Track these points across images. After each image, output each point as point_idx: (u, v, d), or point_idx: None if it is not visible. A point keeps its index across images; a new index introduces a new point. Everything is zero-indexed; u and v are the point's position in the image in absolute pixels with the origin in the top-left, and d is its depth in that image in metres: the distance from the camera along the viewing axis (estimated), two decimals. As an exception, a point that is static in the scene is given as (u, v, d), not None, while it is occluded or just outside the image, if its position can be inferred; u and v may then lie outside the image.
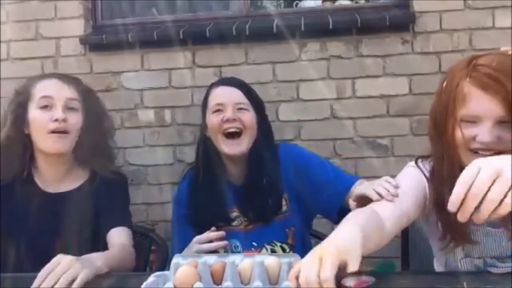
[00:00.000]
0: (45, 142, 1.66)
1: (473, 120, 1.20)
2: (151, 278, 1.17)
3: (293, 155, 1.79)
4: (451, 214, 1.22)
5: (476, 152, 1.20)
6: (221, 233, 1.56)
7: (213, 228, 1.59)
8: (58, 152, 1.68)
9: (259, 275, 1.11)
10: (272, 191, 1.72)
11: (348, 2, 2.87)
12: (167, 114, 2.72)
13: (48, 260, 1.53)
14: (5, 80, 2.70)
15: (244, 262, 1.15)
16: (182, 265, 1.15)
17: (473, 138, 1.20)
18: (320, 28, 2.61)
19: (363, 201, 1.30)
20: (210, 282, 1.12)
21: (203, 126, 1.79)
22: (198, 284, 1.09)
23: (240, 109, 1.73)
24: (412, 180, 1.35)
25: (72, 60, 2.76)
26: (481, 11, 2.51)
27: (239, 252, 1.71)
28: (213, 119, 1.72)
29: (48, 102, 1.66)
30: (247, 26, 2.62)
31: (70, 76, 1.79)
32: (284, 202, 1.75)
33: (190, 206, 1.75)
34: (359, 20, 2.56)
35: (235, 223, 1.75)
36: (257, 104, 1.79)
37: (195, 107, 2.70)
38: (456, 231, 1.27)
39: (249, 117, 1.73)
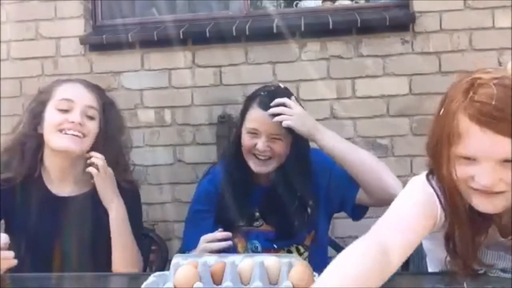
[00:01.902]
0: (57, 140, 1.65)
1: (471, 158, 1.08)
2: (151, 278, 1.17)
3: (319, 160, 1.80)
4: (459, 249, 1.17)
5: (476, 189, 1.10)
6: (227, 233, 1.59)
7: (220, 229, 1.62)
8: (69, 151, 1.66)
9: (259, 275, 1.11)
10: (299, 207, 1.73)
11: (348, 2, 2.87)
12: (167, 114, 2.72)
13: (50, 261, 1.54)
14: (5, 80, 2.71)
15: (244, 262, 1.15)
16: (182, 265, 1.15)
17: (471, 178, 1.09)
18: (320, 28, 2.61)
19: None
20: (210, 282, 1.12)
21: (239, 128, 1.76)
22: (198, 284, 1.09)
23: (273, 138, 1.70)
24: (418, 200, 1.20)
25: (72, 60, 2.76)
26: (481, 11, 2.51)
27: (258, 252, 1.73)
28: (246, 140, 1.71)
29: (67, 105, 1.66)
30: (247, 26, 2.62)
31: (95, 84, 1.79)
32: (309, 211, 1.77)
33: (215, 202, 1.76)
34: (359, 20, 2.56)
35: (256, 223, 1.77)
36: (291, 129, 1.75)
37: (195, 107, 2.70)
38: (466, 262, 1.21)
39: (280, 146, 1.70)
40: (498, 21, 2.50)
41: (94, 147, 1.70)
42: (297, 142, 1.74)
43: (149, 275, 1.19)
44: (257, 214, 1.77)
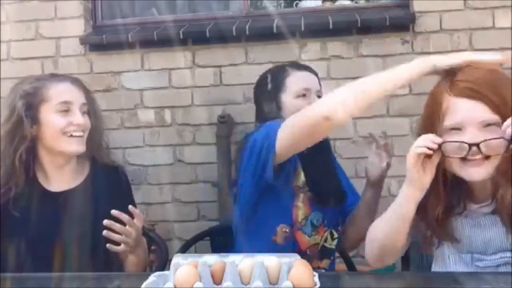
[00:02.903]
0: (65, 144, 1.67)
1: (458, 128, 1.23)
2: (151, 278, 1.17)
3: None
4: (431, 212, 1.28)
5: (465, 159, 1.22)
6: None
7: None
8: (77, 153, 1.71)
9: (259, 275, 1.11)
10: (339, 174, 1.78)
11: (348, 2, 2.87)
12: (167, 114, 2.72)
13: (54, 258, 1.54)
14: (5, 80, 2.71)
15: (244, 262, 1.15)
16: (182, 265, 1.15)
17: (460, 146, 1.22)
18: (320, 28, 2.61)
19: None
20: (210, 282, 1.12)
21: (274, 109, 1.71)
22: (198, 284, 1.09)
23: (318, 96, 1.71)
24: None
25: (72, 60, 2.76)
26: (481, 11, 2.51)
27: (318, 225, 1.72)
28: (299, 103, 1.65)
29: (66, 107, 1.68)
30: (247, 26, 2.62)
31: (76, 78, 1.81)
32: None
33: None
34: (359, 20, 2.56)
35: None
36: None
37: (195, 107, 2.70)
38: (439, 229, 1.31)
39: None
40: (498, 21, 2.50)
41: (88, 139, 1.74)
42: None
43: (149, 275, 1.19)
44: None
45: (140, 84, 2.73)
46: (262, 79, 1.81)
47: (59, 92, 1.70)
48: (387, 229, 1.29)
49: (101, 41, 2.71)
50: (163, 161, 2.72)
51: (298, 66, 1.79)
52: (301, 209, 1.70)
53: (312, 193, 1.68)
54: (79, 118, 1.67)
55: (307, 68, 1.79)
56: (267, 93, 1.76)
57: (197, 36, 2.68)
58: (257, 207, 1.68)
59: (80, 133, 1.68)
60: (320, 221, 1.71)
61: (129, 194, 1.83)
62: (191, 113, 2.69)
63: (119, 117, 2.72)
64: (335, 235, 1.77)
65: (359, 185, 2.58)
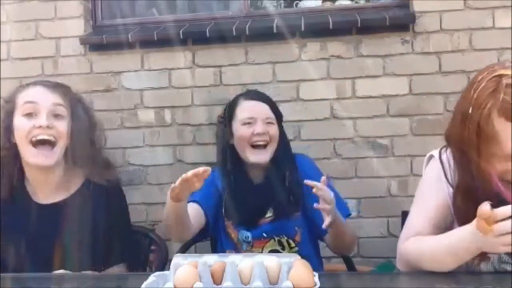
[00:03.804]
0: (29, 155, 1.62)
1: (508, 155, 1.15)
2: (151, 278, 1.17)
3: (306, 164, 1.97)
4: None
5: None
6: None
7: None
8: (44, 166, 1.64)
9: (259, 275, 1.11)
10: (290, 190, 1.86)
11: (348, 2, 2.87)
12: (167, 114, 2.72)
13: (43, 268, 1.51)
14: (5, 80, 2.70)
15: (244, 262, 1.15)
16: (182, 265, 1.15)
17: (508, 171, 1.17)
18: (320, 28, 2.61)
19: None
20: (210, 282, 1.12)
21: (228, 134, 1.91)
22: (198, 284, 1.09)
23: (268, 123, 1.87)
24: (437, 195, 1.36)
25: (72, 60, 2.76)
26: (481, 11, 2.51)
27: (249, 241, 1.86)
28: (243, 131, 1.85)
29: (32, 108, 1.62)
30: (247, 26, 2.62)
31: (58, 82, 1.76)
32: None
33: (215, 201, 1.89)
34: (359, 20, 2.56)
35: (266, 216, 1.88)
36: (278, 117, 1.94)
37: (195, 107, 2.70)
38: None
39: (275, 130, 1.88)
40: (498, 21, 2.50)
41: (69, 146, 1.67)
42: (282, 130, 1.94)
43: (149, 275, 1.19)
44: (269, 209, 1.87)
45: (140, 84, 2.73)
46: (225, 107, 2.00)
47: (25, 94, 1.67)
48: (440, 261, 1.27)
49: (101, 41, 2.71)
50: (163, 161, 2.71)
51: (250, 96, 1.96)
52: (232, 233, 1.89)
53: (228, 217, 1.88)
54: (42, 121, 1.60)
55: (257, 98, 1.94)
56: (225, 119, 1.96)
57: (197, 36, 2.68)
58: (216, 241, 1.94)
59: (47, 137, 1.61)
60: (250, 237, 1.86)
61: (121, 218, 1.78)
62: (191, 113, 2.69)
63: (119, 117, 2.72)
64: (293, 244, 1.86)
65: (359, 186, 2.59)
